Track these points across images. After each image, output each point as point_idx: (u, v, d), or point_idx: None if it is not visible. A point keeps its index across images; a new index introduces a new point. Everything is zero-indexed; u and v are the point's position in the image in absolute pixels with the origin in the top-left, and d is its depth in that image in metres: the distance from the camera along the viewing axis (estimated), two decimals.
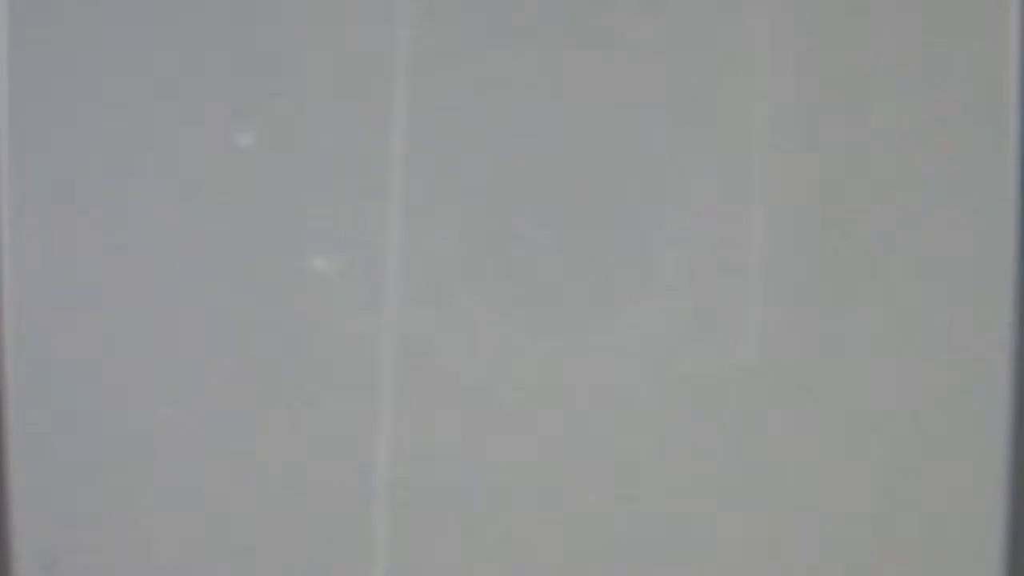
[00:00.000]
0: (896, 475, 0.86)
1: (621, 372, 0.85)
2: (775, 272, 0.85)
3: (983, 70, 0.83)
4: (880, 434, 0.86)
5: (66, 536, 0.87)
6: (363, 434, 0.86)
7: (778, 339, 0.85)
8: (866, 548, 0.86)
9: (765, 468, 0.86)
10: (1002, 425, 0.85)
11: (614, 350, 0.85)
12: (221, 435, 0.86)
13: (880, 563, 0.86)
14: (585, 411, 0.86)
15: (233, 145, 0.84)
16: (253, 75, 0.83)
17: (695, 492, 0.86)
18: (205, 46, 0.83)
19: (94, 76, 0.84)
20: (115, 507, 0.87)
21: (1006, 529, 0.86)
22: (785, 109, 0.83)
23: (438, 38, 0.83)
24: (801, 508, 0.86)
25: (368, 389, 0.86)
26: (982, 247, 0.84)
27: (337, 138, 0.84)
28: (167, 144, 0.84)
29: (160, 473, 0.87)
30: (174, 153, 0.84)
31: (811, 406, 0.86)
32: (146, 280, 0.85)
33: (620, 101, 0.83)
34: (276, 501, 0.87)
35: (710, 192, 0.84)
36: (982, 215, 0.84)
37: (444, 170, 0.84)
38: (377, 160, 0.84)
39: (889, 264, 0.84)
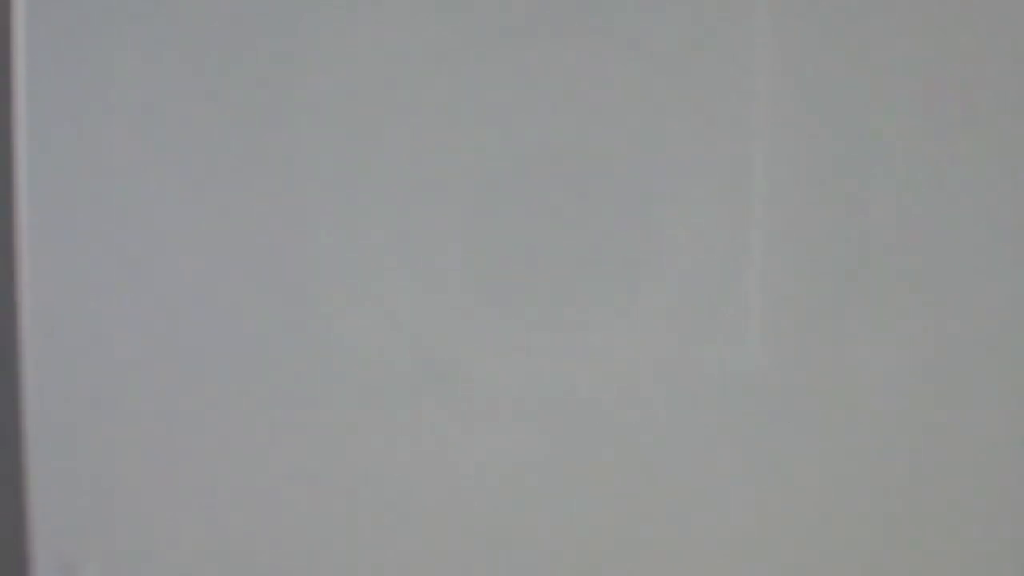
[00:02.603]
0: (899, 477, 0.86)
1: (622, 375, 0.85)
2: (776, 275, 0.85)
3: (986, 68, 0.83)
4: (883, 436, 0.85)
5: (83, 543, 0.88)
6: (369, 435, 0.86)
7: (780, 342, 0.85)
8: (868, 550, 0.86)
9: (767, 471, 0.86)
10: (1006, 427, 0.85)
11: (615, 352, 0.85)
12: (240, 442, 0.87)
13: (881, 564, 0.86)
14: (586, 414, 0.86)
15: (240, 146, 0.85)
16: (260, 76, 0.84)
17: (697, 494, 0.86)
18: (215, 47, 0.84)
19: (107, 78, 0.84)
20: (132, 514, 0.87)
21: (1010, 529, 0.86)
22: (786, 109, 0.83)
23: (439, 38, 0.84)
24: (802, 510, 0.86)
25: (375, 390, 0.86)
26: (985, 247, 0.84)
27: (340, 139, 0.85)
28: (179, 145, 0.85)
29: (177, 480, 0.87)
30: (186, 153, 0.85)
31: (813, 409, 0.85)
32: (166, 285, 0.86)
33: (620, 101, 0.84)
34: (295, 508, 0.87)
35: (712, 193, 0.84)
36: (984, 216, 0.84)
37: (444, 170, 0.85)
38: (378, 160, 0.85)
39: (891, 266, 0.84)
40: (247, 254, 0.85)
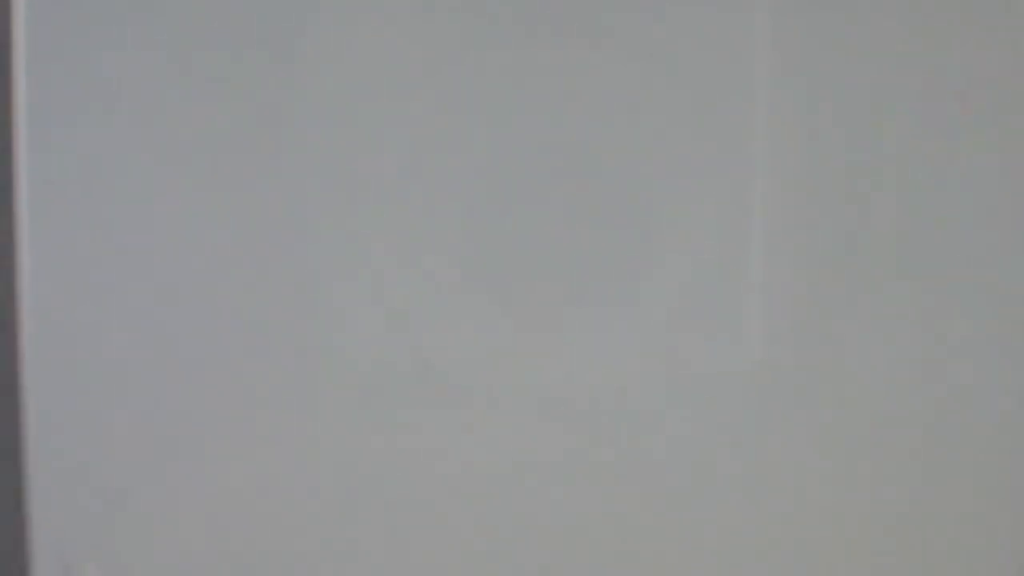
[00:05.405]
0: (898, 476, 0.86)
1: (622, 374, 0.86)
2: (777, 274, 0.85)
3: (985, 68, 0.83)
4: (882, 435, 0.86)
5: (83, 543, 0.88)
6: (369, 436, 0.86)
7: (780, 341, 0.85)
8: (867, 549, 0.86)
9: (767, 469, 0.86)
10: (1006, 426, 0.85)
11: (615, 353, 0.85)
12: (239, 443, 0.87)
13: (881, 563, 0.86)
14: (586, 414, 0.86)
15: (240, 146, 0.85)
16: (262, 77, 0.84)
17: (697, 493, 0.86)
18: (219, 48, 0.84)
19: (110, 77, 0.84)
20: (131, 514, 0.87)
21: (1009, 529, 0.86)
22: (786, 109, 0.83)
23: (439, 38, 0.84)
24: (802, 508, 0.86)
25: (375, 391, 0.86)
26: (985, 248, 0.84)
27: (339, 138, 0.85)
28: (179, 145, 0.85)
29: (177, 481, 0.87)
30: (185, 153, 0.85)
31: (813, 407, 0.86)
32: (165, 286, 0.86)
33: (621, 102, 0.84)
34: (293, 508, 0.87)
35: (712, 192, 0.84)
36: (985, 216, 0.84)
37: (444, 170, 0.85)
38: (378, 160, 0.85)
39: (891, 265, 0.85)
40: (246, 254, 0.85)
